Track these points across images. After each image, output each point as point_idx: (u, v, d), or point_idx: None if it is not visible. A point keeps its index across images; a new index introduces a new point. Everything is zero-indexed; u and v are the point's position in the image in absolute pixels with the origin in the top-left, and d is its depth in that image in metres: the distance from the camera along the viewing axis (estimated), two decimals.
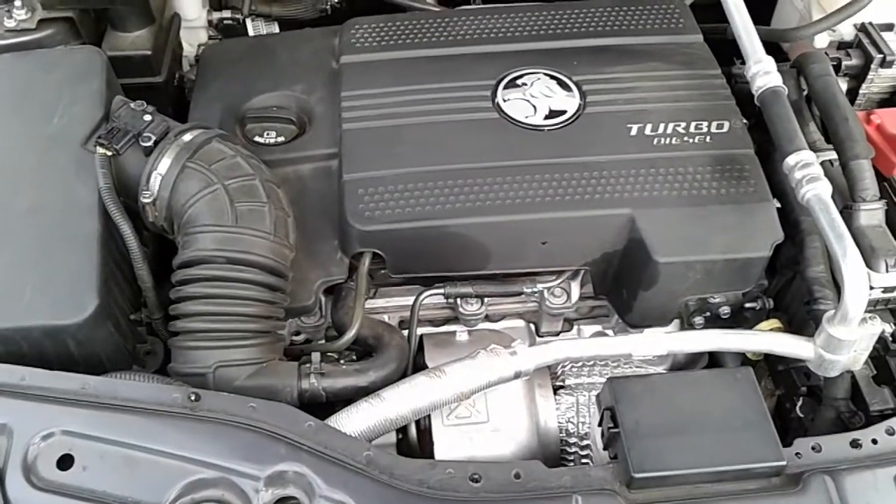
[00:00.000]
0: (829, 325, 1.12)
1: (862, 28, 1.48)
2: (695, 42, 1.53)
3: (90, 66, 1.27)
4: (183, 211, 1.17)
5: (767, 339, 1.20)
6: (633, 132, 1.37)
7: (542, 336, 1.51)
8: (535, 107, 1.40)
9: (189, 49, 1.67)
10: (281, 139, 1.42)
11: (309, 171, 1.39)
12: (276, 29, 1.79)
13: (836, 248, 1.12)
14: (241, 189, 1.18)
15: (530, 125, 1.38)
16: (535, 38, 1.52)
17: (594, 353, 1.19)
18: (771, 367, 1.38)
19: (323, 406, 1.16)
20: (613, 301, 1.40)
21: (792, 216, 1.32)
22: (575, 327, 1.52)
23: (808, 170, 1.20)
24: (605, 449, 1.06)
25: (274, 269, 1.18)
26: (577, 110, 1.40)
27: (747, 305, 1.39)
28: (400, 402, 1.11)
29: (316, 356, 1.19)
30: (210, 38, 1.72)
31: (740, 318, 1.41)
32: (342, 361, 1.22)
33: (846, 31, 1.51)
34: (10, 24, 1.39)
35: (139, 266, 1.19)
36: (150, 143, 1.19)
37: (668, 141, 1.36)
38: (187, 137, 1.21)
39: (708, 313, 1.40)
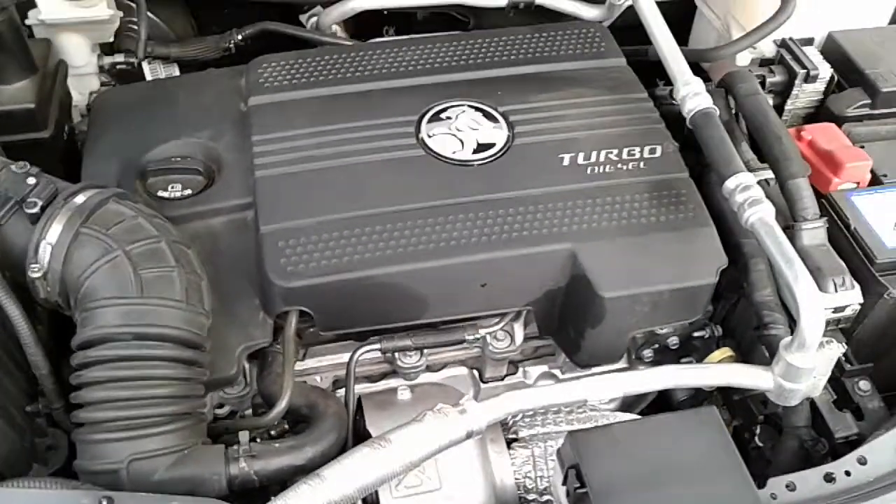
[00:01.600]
0: (786, 354, 1.08)
1: (783, 44, 1.47)
2: (618, 66, 1.49)
3: None
4: (79, 284, 1.04)
5: (724, 372, 1.14)
6: (566, 162, 1.31)
7: (486, 382, 1.42)
8: (461, 141, 1.33)
9: (79, 98, 1.52)
10: (188, 192, 1.29)
11: (221, 226, 1.27)
12: (176, 71, 1.66)
13: (787, 273, 1.08)
14: (144, 254, 1.05)
15: (458, 160, 1.30)
16: (455, 70, 1.45)
17: (548, 402, 1.11)
18: (725, 396, 1.34)
19: (257, 491, 1.04)
20: (560, 341, 1.32)
21: (732, 239, 1.28)
22: (520, 369, 1.44)
23: (748, 192, 1.16)
24: None
25: (189, 341, 1.05)
26: (506, 142, 1.33)
27: (696, 334, 1.34)
28: (343, 480, 0.99)
29: (244, 435, 1.06)
30: (103, 84, 1.58)
31: (689, 348, 1.37)
32: (274, 438, 1.10)
33: (766, 47, 1.50)
34: None
35: (32, 351, 1.04)
36: (35, 210, 1.04)
37: (601, 169, 1.31)
38: (79, 200, 1.07)
39: (656, 345, 1.35)
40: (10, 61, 1.29)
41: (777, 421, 1.24)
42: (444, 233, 1.21)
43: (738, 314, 1.33)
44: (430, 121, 1.35)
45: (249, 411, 1.28)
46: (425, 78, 1.43)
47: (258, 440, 1.09)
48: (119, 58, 1.54)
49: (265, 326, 1.19)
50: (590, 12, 1.65)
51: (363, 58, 1.47)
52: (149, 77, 1.62)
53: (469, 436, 1.07)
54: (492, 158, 1.31)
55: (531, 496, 1.20)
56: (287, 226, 1.21)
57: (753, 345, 1.30)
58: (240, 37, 1.64)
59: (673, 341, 1.34)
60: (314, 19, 1.76)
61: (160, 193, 1.29)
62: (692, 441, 0.98)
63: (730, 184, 1.19)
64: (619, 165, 1.31)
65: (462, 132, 1.34)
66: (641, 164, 1.32)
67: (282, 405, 1.11)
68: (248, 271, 1.22)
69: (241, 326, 1.18)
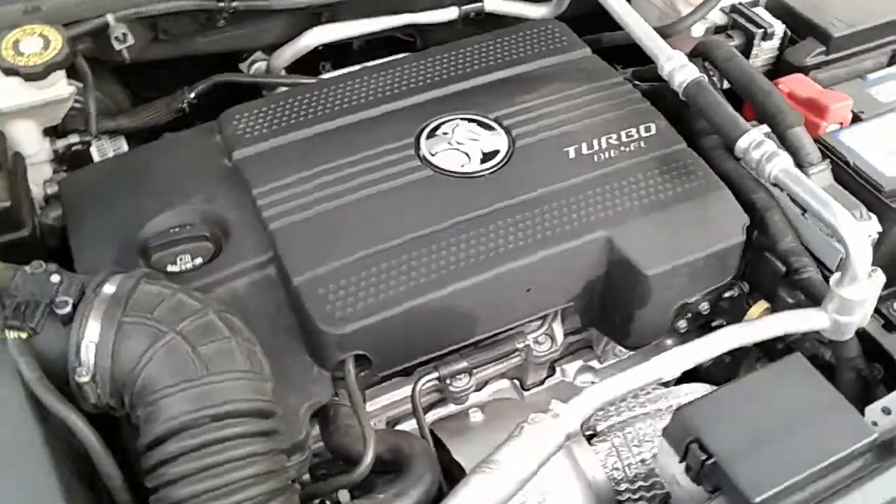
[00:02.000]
0: (839, 289, 1.12)
1: (733, 9, 1.54)
2: (585, 56, 1.52)
3: None
4: (134, 378, 0.95)
5: (781, 321, 1.17)
6: (572, 154, 1.32)
7: (528, 389, 1.41)
8: (466, 153, 1.31)
9: (36, 190, 1.40)
10: (199, 261, 1.22)
11: (245, 288, 1.20)
12: (123, 145, 1.56)
13: (826, 214, 1.12)
14: (197, 330, 0.98)
15: (470, 173, 1.29)
16: (433, 87, 1.44)
17: (629, 388, 1.10)
18: (767, 350, 1.37)
19: None
20: (606, 329, 1.32)
21: (741, 197, 1.32)
22: (557, 369, 1.44)
23: (763, 147, 1.21)
24: (697, 483, 0.97)
25: (263, 410, 0.98)
26: (509, 147, 1.33)
27: (725, 296, 1.37)
28: None
29: (345, 495, 1.01)
30: (55, 171, 1.46)
31: (718, 311, 1.40)
32: (363, 491, 1.04)
33: (716, 17, 1.56)
34: None
35: (104, 462, 0.94)
36: (68, 310, 0.95)
37: (607, 155, 1.32)
38: (109, 289, 0.99)
39: (689, 315, 1.38)
40: None
41: (823, 360, 1.28)
42: (480, 246, 1.19)
43: (761, 269, 1.36)
44: (428, 139, 1.33)
45: (307, 476, 1.21)
46: (407, 100, 1.41)
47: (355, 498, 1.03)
48: (73, 138, 1.43)
49: (323, 381, 1.13)
50: (537, 11, 1.67)
51: (336, 92, 1.43)
52: (97, 156, 1.52)
53: (568, 438, 1.05)
54: (501, 165, 1.30)
55: (623, 486, 1.19)
56: (319, 272, 1.16)
57: (775, 295, 1.34)
58: (192, 94, 1.56)
59: (704, 307, 1.36)
60: (258, 65, 1.71)
61: (170, 268, 1.21)
62: (792, 389, 1.00)
63: (742, 143, 1.23)
64: (622, 148, 1.34)
65: (464, 145, 1.33)
66: (642, 144, 1.35)
67: (369, 456, 1.05)
68: (287, 328, 1.16)
69: (297, 386, 1.11)
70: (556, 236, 1.21)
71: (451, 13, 1.66)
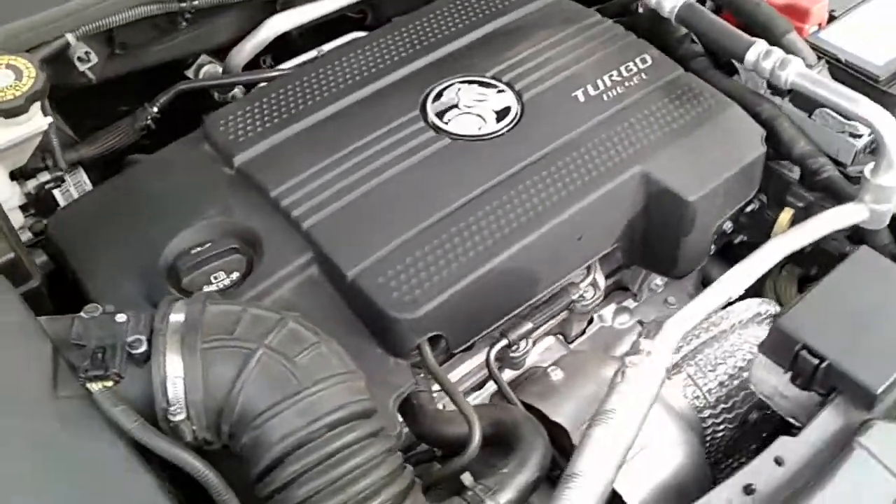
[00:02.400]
0: (874, 178, 1.16)
1: None
2: (557, 1, 1.49)
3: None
4: (231, 404, 0.88)
5: (823, 222, 1.19)
6: (581, 98, 1.31)
7: (571, 341, 1.40)
8: (479, 115, 1.28)
9: None
10: (235, 275, 1.13)
11: (290, 293, 1.12)
12: (84, 178, 1.43)
13: (852, 107, 1.15)
14: (284, 340, 0.91)
15: (489, 134, 1.25)
16: (416, 56, 1.38)
17: (706, 310, 1.10)
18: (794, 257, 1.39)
19: None
20: (650, 264, 1.32)
21: (748, 112, 1.33)
22: (594, 316, 1.43)
23: (773, 56, 1.23)
24: (807, 390, 0.99)
25: (368, 410, 0.93)
26: (518, 102, 1.30)
27: (746, 210, 1.39)
28: (599, 467, 0.93)
29: (468, 477, 0.96)
30: (25, 217, 1.33)
31: (740, 227, 1.42)
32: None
33: None
34: None
35: (224, 498, 0.86)
36: (144, 348, 0.87)
37: (615, 92, 1.31)
38: (178, 318, 0.91)
39: (715, 235, 1.39)
40: None
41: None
42: (525, 203, 1.16)
43: (774, 179, 1.39)
44: (434, 108, 1.29)
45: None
46: (395, 73, 1.36)
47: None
48: (43, 177, 1.30)
49: (402, 370, 1.08)
50: None
51: (320, 77, 1.36)
52: (60, 198, 1.39)
53: (667, 373, 1.05)
54: (516, 121, 1.27)
55: (706, 413, 1.20)
56: (371, 262, 1.11)
57: (786, 202, 1.37)
58: (155, 109, 1.44)
59: (728, 225, 1.38)
60: (206, 69, 1.60)
61: (206, 288, 1.12)
62: (873, 280, 1.02)
63: (751, 55, 1.24)
64: (626, 83, 1.33)
65: (473, 107, 1.29)
66: (643, 75, 1.34)
67: (477, 434, 1.01)
68: (348, 324, 1.10)
69: (378, 380, 1.05)
70: (596, 179, 1.19)
71: None
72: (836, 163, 1.31)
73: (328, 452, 0.87)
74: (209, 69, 1.61)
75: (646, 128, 1.26)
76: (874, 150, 1.24)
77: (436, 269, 1.09)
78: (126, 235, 1.18)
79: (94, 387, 0.83)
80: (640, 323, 1.40)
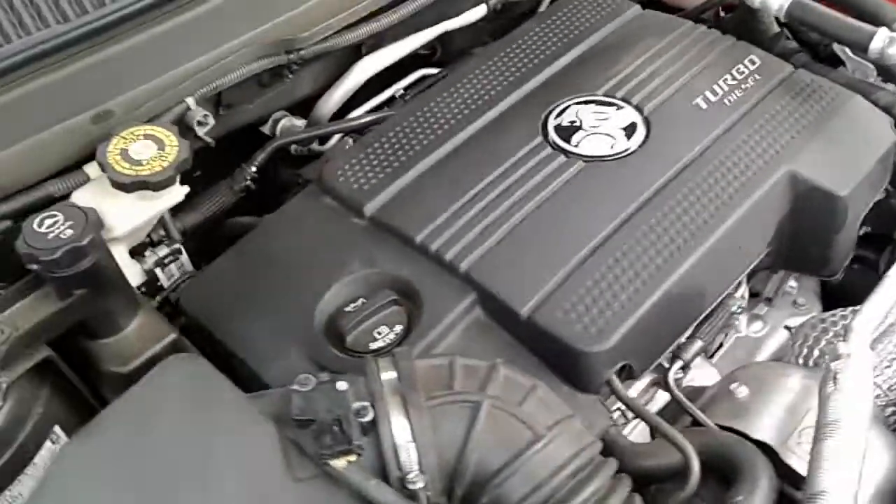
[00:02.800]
0: None
1: None
2: (640, 13, 1.47)
3: (201, 376, 0.83)
4: (465, 464, 0.82)
5: None
6: (704, 106, 1.28)
7: (711, 356, 1.36)
8: (608, 135, 1.24)
9: None
10: (399, 328, 1.08)
11: (460, 338, 1.06)
12: (182, 258, 1.36)
13: None
14: (503, 388, 0.87)
15: (622, 152, 1.22)
16: (520, 83, 1.35)
17: (887, 306, 1.07)
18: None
19: None
20: (800, 266, 1.29)
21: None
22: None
23: None
24: None
25: (596, 449, 0.88)
26: (641, 116, 1.27)
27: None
28: (843, 480, 0.88)
29: None
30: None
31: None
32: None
33: None
34: None
35: None
36: (370, 416, 0.81)
37: (735, 96, 1.29)
38: (389, 375, 0.85)
39: None
40: (119, 301, 0.99)
41: None
42: (683, 218, 1.13)
43: None
44: (558, 133, 1.25)
45: None
46: (504, 103, 1.32)
47: None
48: (161, 251, 1.24)
49: (595, 406, 1.03)
50: None
51: (426, 116, 1.32)
52: (164, 280, 1.32)
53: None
54: (646, 136, 1.24)
55: (888, 410, 1.16)
56: (543, 295, 1.06)
57: None
58: (254, 168, 1.39)
59: None
60: (283, 123, 1.55)
61: (372, 346, 1.07)
62: None
63: (876, 44, 1.23)
64: (744, 85, 1.31)
65: (599, 127, 1.26)
66: (756, 76, 1.32)
67: (696, 465, 0.96)
68: (526, 364, 1.04)
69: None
70: (747, 185, 1.16)
71: (479, 11, 1.58)
72: None
73: (583, 500, 0.81)
74: (285, 123, 1.57)
75: (778, 128, 1.24)
76: None
77: (612, 297, 1.05)
78: (272, 301, 1.12)
79: (339, 463, 0.77)
80: (787, 328, 1.36)
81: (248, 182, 1.40)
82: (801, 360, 1.25)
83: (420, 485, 0.80)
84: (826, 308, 1.40)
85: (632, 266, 1.08)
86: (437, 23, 1.52)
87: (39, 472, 0.96)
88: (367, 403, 0.82)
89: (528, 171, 1.20)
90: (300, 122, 1.51)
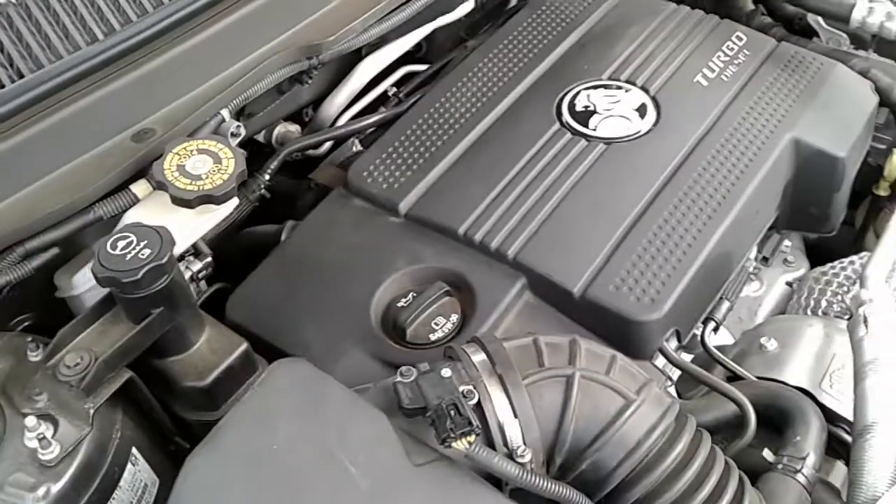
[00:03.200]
0: None
1: None
2: None
3: (309, 377, 0.85)
4: (564, 435, 0.87)
5: None
6: (705, 83, 1.36)
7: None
8: (623, 116, 1.31)
9: None
10: (454, 317, 1.11)
11: (516, 321, 1.11)
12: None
13: None
14: (589, 360, 0.92)
15: (640, 132, 1.28)
16: (526, 73, 1.40)
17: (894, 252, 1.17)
18: None
19: None
20: (801, 225, 1.39)
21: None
22: None
23: (878, 11, 1.33)
24: None
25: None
26: (649, 96, 1.34)
27: None
28: (889, 412, 0.96)
29: (769, 454, 0.99)
30: None
31: None
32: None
33: None
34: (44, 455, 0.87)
35: None
36: (476, 399, 0.85)
37: (731, 71, 1.37)
38: (479, 357, 0.90)
39: None
40: (190, 317, 0.99)
41: None
42: (709, 188, 1.20)
43: None
44: (574, 119, 1.31)
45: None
46: (514, 92, 1.37)
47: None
48: (195, 265, 1.22)
49: (651, 371, 1.10)
50: None
51: (441, 110, 1.35)
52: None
53: None
54: (659, 115, 1.31)
55: None
56: (592, 272, 1.11)
57: None
58: (267, 176, 1.39)
59: None
60: (278, 130, 1.55)
61: (431, 337, 1.10)
62: None
63: (857, 14, 1.34)
64: (736, 61, 1.39)
65: (612, 110, 1.32)
66: (746, 51, 1.41)
67: (752, 413, 1.04)
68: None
69: None
70: (760, 153, 1.25)
71: (468, 5, 1.61)
72: None
73: (674, 460, 0.88)
74: (280, 130, 1.57)
75: (775, 98, 1.32)
76: None
77: (658, 268, 1.11)
78: (323, 304, 1.14)
79: (461, 445, 0.80)
80: (789, 284, 1.46)
81: (262, 190, 1.41)
82: (808, 312, 1.35)
83: (528, 458, 0.85)
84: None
85: (670, 237, 1.14)
86: (430, 19, 1.55)
87: (125, 496, 0.96)
88: (470, 387, 0.85)
89: (554, 156, 1.26)
90: (294, 129, 1.52)
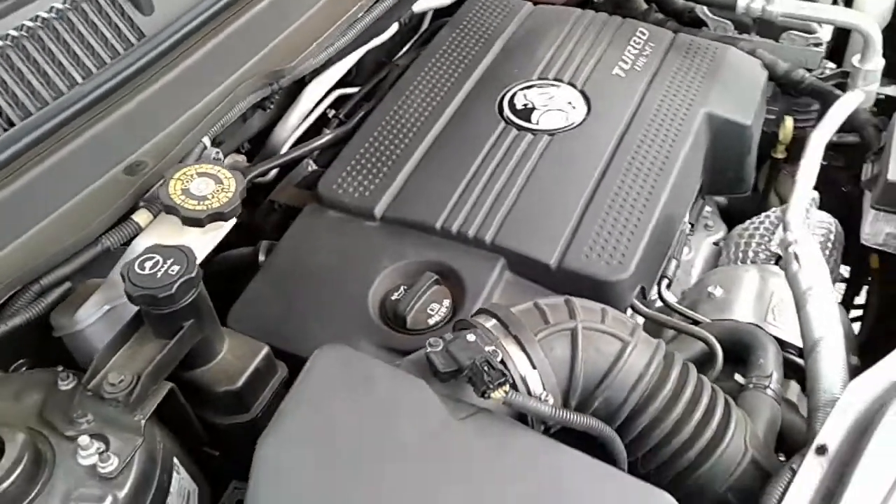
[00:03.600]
0: (864, 65, 1.51)
1: None
2: (537, 8, 1.71)
3: (351, 358, 0.93)
4: (576, 379, 0.99)
5: (839, 110, 1.51)
6: (623, 74, 1.53)
7: None
8: (560, 110, 1.46)
9: None
10: (447, 302, 1.22)
11: (502, 298, 1.23)
12: None
13: (833, 16, 1.49)
14: (585, 313, 1.04)
15: (581, 120, 1.43)
16: (462, 82, 1.53)
17: (805, 200, 1.37)
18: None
19: None
20: (720, 188, 1.57)
21: None
22: None
23: None
24: None
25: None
26: (578, 89, 1.49)
27: None
28: (832, 329, 1.12)
29: (739, 377, 1.15)
30: None
31: None
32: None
33: None
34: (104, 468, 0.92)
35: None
36: (500, 357, 0.96)
37: (642, 62, 1.55)
38: (490, 321, 1.01)
39: None
40: (215, 328, 1.05)
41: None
42: (651, 161, 1.36)
43: None
44: (517, 116, 1.45)
45: None
46: (458, 98, 1.50)
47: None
48: None
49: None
50: None
51: (393, 121, 1.46)
52: None
53: None
54: (589, 105, 1.46)
55: None
56: (563, 245, 1.24)
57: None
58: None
59: None
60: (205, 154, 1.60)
61: (430, 321, 1.20)
62: None
63: (742, 2, 1.54)
64: (644, 53, 1.57)
65: (548, 105, 1.46)
66: (651, 44, 1.60)
67: (719, 348, 1.19)
68: None
69: None
70: (684, 128, 1.42)
71: (393, 28, 1.72)
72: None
73: (671, 388, 1.01)
74: (228, 161, 1.63)
75: (685, 80, 1.51)
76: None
77: (619, 234, 1.26)
78: (321, 306, 1.22)
79: (498, 394, 0.91)
80: (716, 244, 1.64)
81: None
82: (739, 262, 1.54)
83: (551, 402, 0.96)
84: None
85: (623, 207, 1.29)
86: (364, 42, 1.66)
87: (175, 502, 1.01)
88: (493, 347, 0.96)
89: (507, 150, 1.39)
90: (241, 158, 1.58)
